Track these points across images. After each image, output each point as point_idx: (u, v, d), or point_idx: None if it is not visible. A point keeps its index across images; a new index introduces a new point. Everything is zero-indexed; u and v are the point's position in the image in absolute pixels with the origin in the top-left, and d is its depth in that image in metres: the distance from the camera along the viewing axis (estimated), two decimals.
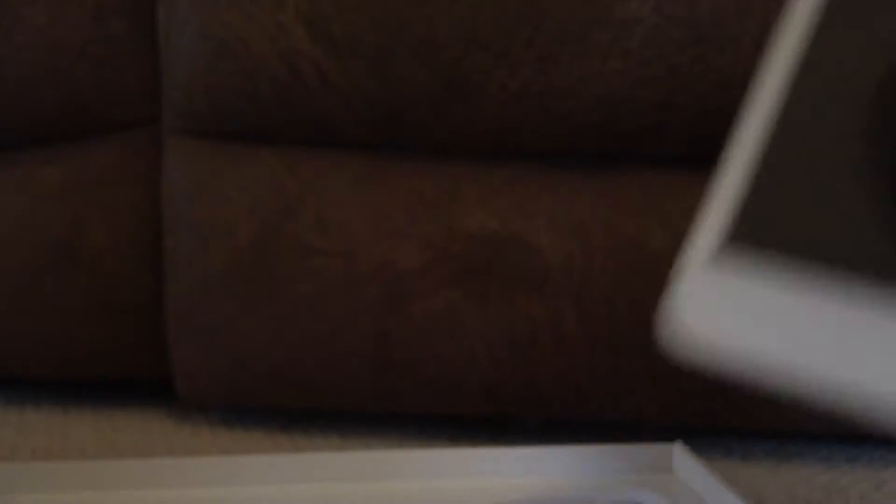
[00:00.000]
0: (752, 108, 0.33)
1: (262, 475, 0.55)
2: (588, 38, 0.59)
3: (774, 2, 0.56)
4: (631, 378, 0.63)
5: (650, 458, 0.57)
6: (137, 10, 0.65)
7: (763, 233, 0.30)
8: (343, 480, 0.56)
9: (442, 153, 0.63)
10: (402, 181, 0.64)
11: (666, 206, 0.62)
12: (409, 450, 0.58)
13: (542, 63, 0.59)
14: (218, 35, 0.62)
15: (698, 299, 0.30)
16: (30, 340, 0.68)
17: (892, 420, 0.28)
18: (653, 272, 0.62)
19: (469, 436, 0.69)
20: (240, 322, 0.65)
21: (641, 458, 0.57)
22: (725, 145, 0.60)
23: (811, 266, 0.29)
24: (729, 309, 0.29)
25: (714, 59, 0.58)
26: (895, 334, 0.28)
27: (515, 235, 0.63)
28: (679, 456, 0.57)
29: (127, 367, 0.70)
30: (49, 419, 0.70)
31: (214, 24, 0.61)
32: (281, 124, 0.63)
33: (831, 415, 0.62)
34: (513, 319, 0.63)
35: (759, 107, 0.33)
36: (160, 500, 0.54)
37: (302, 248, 0.64)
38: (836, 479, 0.63)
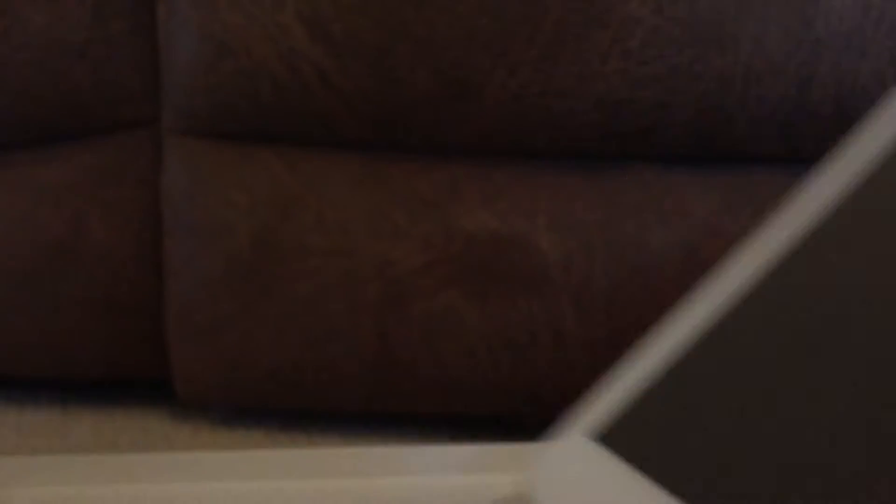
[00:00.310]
0: (695, 304, 0.33)
1: (262, 471, 0.55)
2: (588, 38, 0.59)
3: (775, 2, 0.56)
4: None
5: None
6: (137, 10, 0.65)
7: (627, 444, 0.30)
8: (341, 476, 0.56)
9: (442, 153, 0.63)
10: (401, 181, 0.64)
11: (666, 206, 0.62)
12: (405, 446, 0.57)
13: (542, 63, 0.59)
14: (218, 35, 0.62)
15: (557, 468, 0.30)
16: (30, 340, 0.68)
17: None
18: (653, 272, 0.62)
19: (469, 436, 0.69)
20: (240, 322, 0.65)
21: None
22: (726, 145, 0.60)
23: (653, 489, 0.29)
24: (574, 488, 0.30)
25: (714, 59, 0.58)
26: None
27: (515, 235, 0.63)
28: None
29: (127, 367, 0.70)
30: (49, 419, 0.70)
31: (215, 24, 0.61)
32: (281, 124, 0.63)
33: None
34: (513, 319, 0.63)
35: (698, 309, 0.33)
36: (159, 494, 0.54)
37: (302, 248, 0.64)
38: None
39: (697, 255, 0.62)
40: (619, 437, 0.30)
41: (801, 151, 0.60)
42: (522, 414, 0.66)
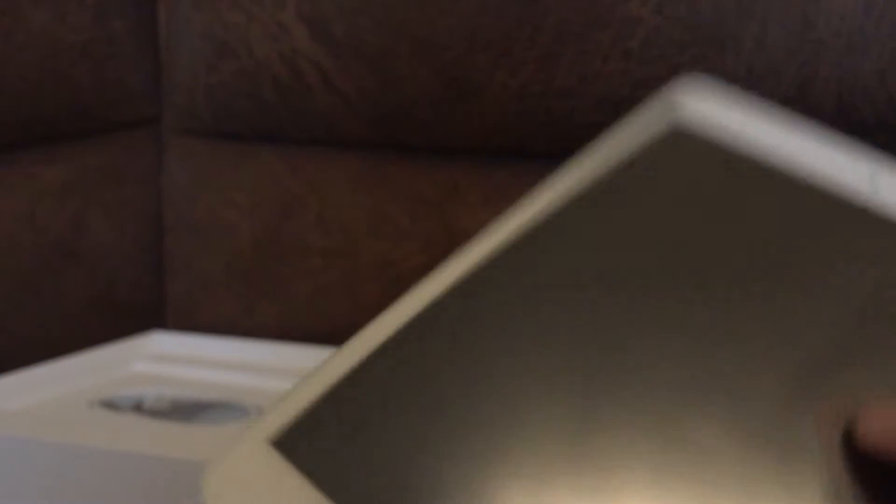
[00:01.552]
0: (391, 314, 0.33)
1: None
2: (589, 38, 0.59)
3: (775, 2, 0.56)
4: None
5: None
6: (138, 10, 0.65)
7: (300, 451, 0.30)
8: None
9: (442, 153, 0.63)
10: (402, 181, 0.64)
11: None
12: None
13: (542, 63, 0.59)
14: (219, 35, 0.62)
15: (230, 474, 0.30)
16: (30, 340, 0.68)
17: None
18: None
19: None
20: (240, 322, 0.65)
21: None
22: None
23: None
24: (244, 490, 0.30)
25: (715, 59, 0.58)
26: None
27: None
28: None
29: None
30: None
31: (216, 23, 0.61)
32: (282, 124, 0.63)
33: None
34: None
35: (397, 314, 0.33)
36: None
37: (302, 248, 0.64)
38: None
39: None
40: (293, 443, 0.30)
41: None
42: None
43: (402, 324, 0.33)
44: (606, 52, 0.59)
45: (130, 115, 0.66)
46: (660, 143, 0.36)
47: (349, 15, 0.60)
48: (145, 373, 0.58)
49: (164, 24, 0.64)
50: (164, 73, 0.65)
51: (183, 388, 0.55)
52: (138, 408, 0.51)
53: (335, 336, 0.64)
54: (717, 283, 0.32)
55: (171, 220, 0.66)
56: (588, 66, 0.59)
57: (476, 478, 0.29)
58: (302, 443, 0.30)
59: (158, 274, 0.68)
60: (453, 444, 0.30)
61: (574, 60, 0.59)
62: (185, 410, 0.51)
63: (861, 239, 0.34)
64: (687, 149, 0.36)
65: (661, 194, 0.35)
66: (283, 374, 0.57)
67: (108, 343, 0.62)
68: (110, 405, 0.52)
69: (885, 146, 0.59)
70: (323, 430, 0.30)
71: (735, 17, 0.57)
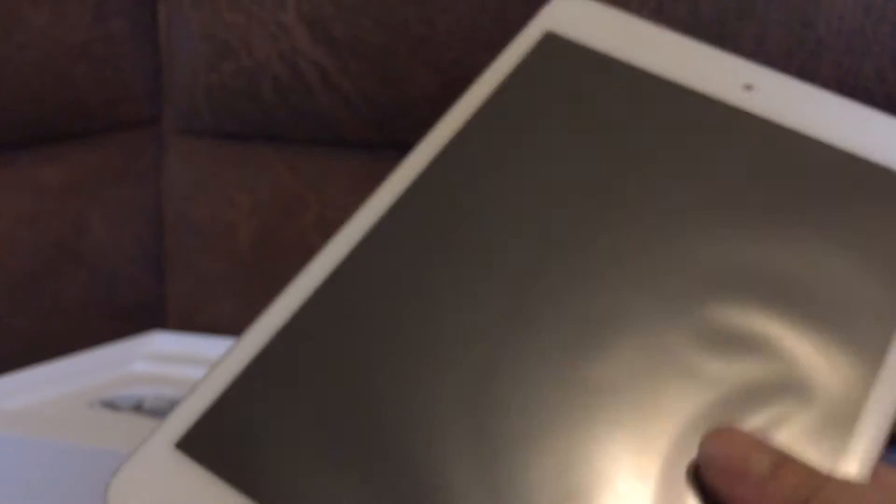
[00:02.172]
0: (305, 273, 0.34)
1: None
2: None
3: (775, 2, 0.56)
4: None
5: None
6: (138, 10, 0.65)
7: (205, 449, 0.30)
8: None
9: None
10: None
11: None
12: None
13: None
14: (219, 35, 0.62)
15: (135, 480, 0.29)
16: (30, 340, 0.68)
17: None
18: None
19: None
20: (240, 322, 0.65)
21: None
22: None
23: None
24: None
25: None
26: None
27: None
28: None
29: None
30: None
31: (215, 23, 0.61)
32: (282, 124, 0.63)
33: None
34: None
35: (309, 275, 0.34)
36: None
37: (303, 248, 0.64)
38: None
39: None
40: (197, 443, 0.30)
41: None
42: None
43: (300, 303, 0.33)
44: None
45: (130, 115, 0.66)
46: (535, 49, 0.39)
47: (349, 15, 0.60)
48: (145, 373, 0.58)
49: (164, 24, 0.64)
50: (164, 73, 0.65)
51: (183, 388, 0.55)
52: (138, 408, 0.51)
53: None
54: (600, 193, 0.35)
55: (171, 220, 0.66)
56: None
57: (389, 447, 0.30)
58: (205, 441, 0.30)
59: (158, 274, 0.68)
60: (359, 416, 0.30)
61: None
62: None
63: (731, 133, 0.37)
64: (561, 52, 0.39)
65: (541, 98, 0.37)
66: None
67: (108, 343, 0.62)
68: (110, 405, 0.52)
69: None
70: (226, 425, 0.30)
71: (735, 17, 0.57)
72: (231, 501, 0.29)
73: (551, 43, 0.39)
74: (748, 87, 0.38)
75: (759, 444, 0.29)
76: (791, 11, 0.56)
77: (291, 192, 0.64)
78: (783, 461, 0.28)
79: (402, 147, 0.64)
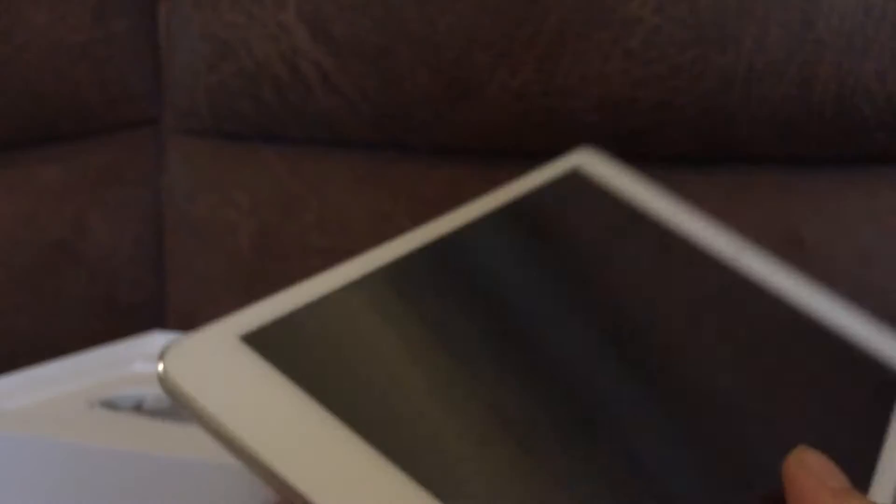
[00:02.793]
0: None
1: None
2: (589, 38, 0.59)
3: (775, 2, 0.56)
4: None
5: None
6: (138, 10, 0.65)
7: (274, 349, 0.30)
8: None
9: (442, 153, 0.63)
10: (402, 181, 0.64)
11: None
12: None
13: (543, 63, 0.59)
14: (219, 35, 0.62)
15: (194, 359, 0.30)
16: (30, 340, 0.68)
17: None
18: None
19: None
20: None
21: None
22: (727, 145, 0.60)
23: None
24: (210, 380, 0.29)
25: (715, 60, 0.58)
26: None
27: None
28: None
29: None
30: None
31: (216, 23, 0.61)
32: (282, 124, 0.63)
33: None
34: None
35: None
36: None
37: (303, 248, 0.64)
38: None
39: None
40: (266, 341, 0.30)
41: (802, 151, 0.60)
42: None
43: (397, 255, 0.34)
44: (606, 52, 0.59)
45: (130, 115, 0.66)
46: (562, 179, 0.44)
47: (349, 15, 0.60)
48: (145, 373, 0.57)
49: (164, 24, 0.64)
50: (164, 73, 0.65)
51: None
52: (138, 408, 0.51)
53: None
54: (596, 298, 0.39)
55: (171, 220, 0.66)
56: (588, 66, 0.59)
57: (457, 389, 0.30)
58: (276, 341, 0.30)
59: (158, 274, 0.67)
60: (448, 373, 0.31)
61: (574, 60, 0.59)
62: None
63: (710, 282, 0.43)
64: (583, 187, 0.44)
65: (558, 219, 0.42)
66: None
67: (108, 343, 0.62)
68: (110, 405, 0.52)
69: (886, 146, 0.59)
70: (301, 335, 0.30)
71: (735, 17, 0.57)
72: (291, 398, 0.28)
73: (576, 178, 0.44)
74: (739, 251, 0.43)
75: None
76: (791, 11, 0.56)
77: (291, 192, 0.64)
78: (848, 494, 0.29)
79: (402, 147, 0.63)
